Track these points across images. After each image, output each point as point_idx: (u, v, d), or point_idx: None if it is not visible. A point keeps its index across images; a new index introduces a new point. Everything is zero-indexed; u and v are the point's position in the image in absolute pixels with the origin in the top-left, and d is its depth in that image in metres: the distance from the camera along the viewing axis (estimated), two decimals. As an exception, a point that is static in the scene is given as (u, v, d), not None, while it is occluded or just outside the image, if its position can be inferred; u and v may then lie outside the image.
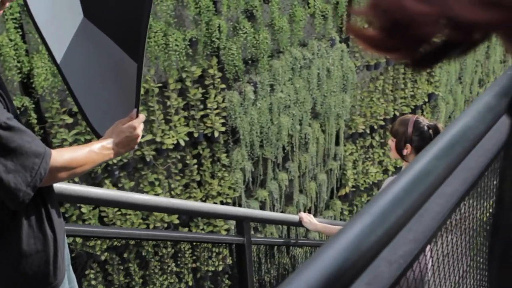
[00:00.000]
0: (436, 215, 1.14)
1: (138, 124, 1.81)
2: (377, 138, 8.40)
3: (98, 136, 1.90)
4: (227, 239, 3.49)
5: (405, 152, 2.79)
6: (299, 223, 3.52)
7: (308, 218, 3.53)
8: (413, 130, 2.80)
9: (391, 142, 2.85)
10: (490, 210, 1.78)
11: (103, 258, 5.54)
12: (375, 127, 8.24)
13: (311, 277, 0.76)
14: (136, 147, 1.85)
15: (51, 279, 1.61)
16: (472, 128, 1.14)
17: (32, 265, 1.57)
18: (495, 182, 1.65)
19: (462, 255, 1.57)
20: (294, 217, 3.60)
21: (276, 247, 6.88)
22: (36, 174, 1.44)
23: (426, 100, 8.80)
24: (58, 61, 1.85)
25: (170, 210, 2.85)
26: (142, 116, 1.85)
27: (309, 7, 6.78)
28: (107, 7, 1.91)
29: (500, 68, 10.57)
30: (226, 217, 3.77)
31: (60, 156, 1.53)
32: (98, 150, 1.69)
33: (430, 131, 2.79)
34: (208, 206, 2.98)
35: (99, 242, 5.40)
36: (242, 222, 3.17)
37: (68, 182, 2.37)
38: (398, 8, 0.52)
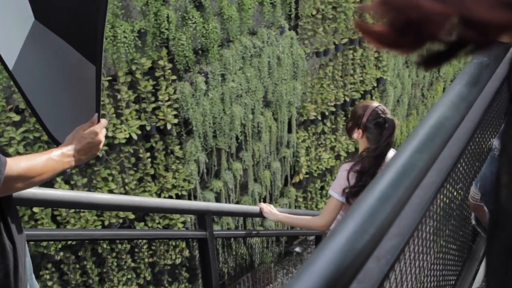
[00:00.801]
0: (416, 208, 1.13)
1: (100, 130, 1.74)
2: (328, 124, 8.47)
3: (57, 144, 1.82)
4: (189, 234, 3.45)
5: (355, 135, 2.90)
6: (260, 214, 3.51)
7: (268, 209, 3.52)
8: (369, 119, 2.86)
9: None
10: (455, 195, 1.80)
11: (58, 258, 5.41)
12: (326, 113, 8.30)
13: (311, 283, 0.73)
14: (98, 153, 1.78)
15: (13, 291, 1.54)
16: (449, 119, 1.14)
17: None
18: (462, 171, 1.68)
19: (433, 241, 1.58)
20: (255, 208, 3.59)
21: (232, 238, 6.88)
22: None
23: (375, 84, 8.92)
24: (10, 67, 1.75)
25: (131, 208, 2.79)
26: (104, 121, 1.78)
27: (257, -5, 6.75)
28: (60, 8, 1.78)
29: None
30: (188, 212, 3.73)
31: (16, 164, 1.45)
32: (58, 157, 1.61)
33: (386, 124, 2.84)
34: (170, 202, 2.92)
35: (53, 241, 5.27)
36: (204, 216, 3.13)
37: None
38: (413, 7, 0.50)
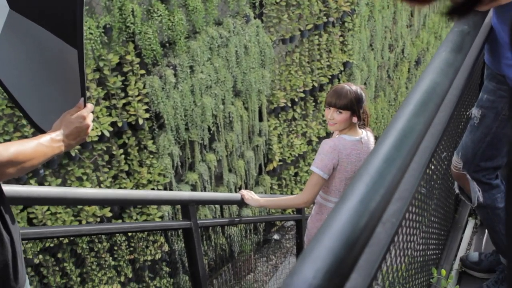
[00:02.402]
0: (414, 172, 1.15)
1: (87, 114, 1.73)
2: (298, 110, 8.51)
3: (42, 133, 1.79)
4: (174, 224, 3.44)
5: (355, 120, 2.93)
6: (242, 201, 3.52)
7: (249, 195, 3.54)
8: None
9: (338, 115, 2.91)
10: (441, 163, 1.84)
11: (36, 261, 5.33)
12: (296, 99, 8.34)
13: (331, 244, 0.74)
14: (86, 138, 1.76)
15: (12, 283, 1.52)
16: (440, 84, 1.17)
17: None
18: (449, 138, 1.71)
19: (424, 210, 1.62)
20: (236, 196, 3.60)
21: (211, 228, 6.87)
22: None
23: (342, 68, 8.99)
24: None
25: (117, 202, 2.77)
26: (91, 105, 1.76)
27: (221, -15, 6.72)
28: None
29: (407, 32, 10.95)
30: (172, 202, 3.71)
31: (5, 150, 1.43)
32: (47, 142, 1.60)
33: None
34: (155, 194, 2.91)
35: (30, 245, 5.17)
36: (187, 206, 3.13)
37: None
38: None
